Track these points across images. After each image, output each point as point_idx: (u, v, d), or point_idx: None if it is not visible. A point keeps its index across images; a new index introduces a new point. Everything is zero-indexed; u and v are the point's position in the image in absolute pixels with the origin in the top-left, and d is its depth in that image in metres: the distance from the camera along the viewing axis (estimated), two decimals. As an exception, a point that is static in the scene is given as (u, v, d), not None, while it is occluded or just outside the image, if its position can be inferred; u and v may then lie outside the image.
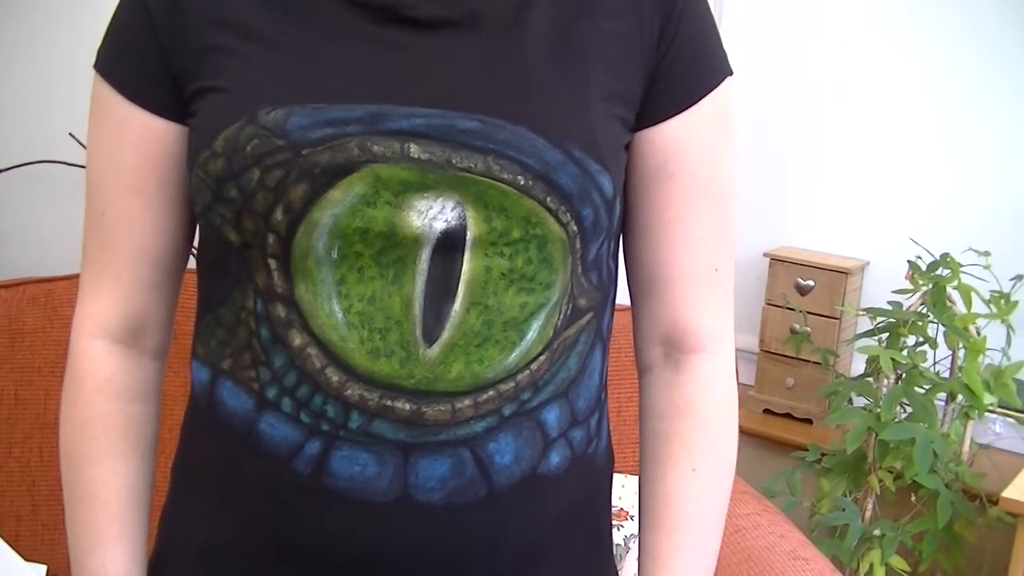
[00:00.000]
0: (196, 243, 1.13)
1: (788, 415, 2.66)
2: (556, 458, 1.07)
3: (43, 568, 2.08)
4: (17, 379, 2.14)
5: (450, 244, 0.98)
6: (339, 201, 0.97)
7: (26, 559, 2.09)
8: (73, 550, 1.13)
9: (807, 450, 2.41)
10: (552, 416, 1.06)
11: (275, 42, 1.01)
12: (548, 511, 1.08)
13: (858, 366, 2.59)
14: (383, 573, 1.04)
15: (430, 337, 1.00)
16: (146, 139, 1.07)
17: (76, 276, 2.20)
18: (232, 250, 1.02)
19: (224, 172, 0.99)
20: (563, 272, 1.02)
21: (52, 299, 2.20)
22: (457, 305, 0.99)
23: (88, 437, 1.12)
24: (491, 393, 1.02)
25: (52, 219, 2.66)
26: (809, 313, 2.56)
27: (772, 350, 2.64)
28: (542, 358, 1.04)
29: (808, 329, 2.57)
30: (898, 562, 2.22)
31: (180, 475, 1.15)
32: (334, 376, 1.00)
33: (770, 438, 2.63)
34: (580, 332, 1.08)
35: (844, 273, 2.54)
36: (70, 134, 2.53)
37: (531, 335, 1.02)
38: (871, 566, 2.21)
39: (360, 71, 0.99)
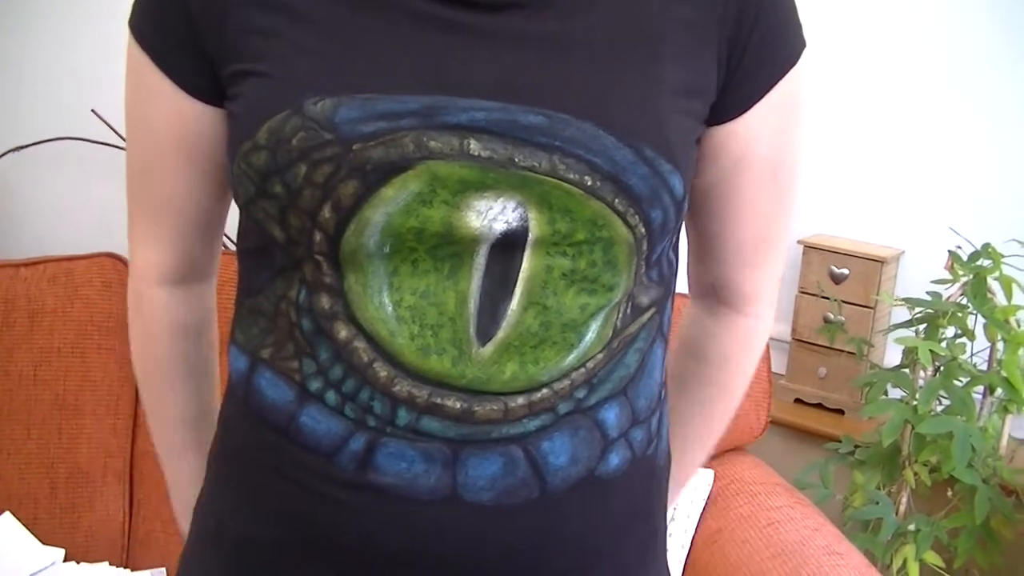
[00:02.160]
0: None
1: (820, 405, 2.62)
2: (615, 459, 1.03)
3: (61, 552, 2.06)
4: (36, 360, 2.11)
5: (510, 244, 0.93)
6: (392, 199, 0.91)
7: (44, 542, 2.07)
8: (160, 457, 1.27)
9: (840, 441, 2.36)
10: (611, 415, 1.02)
11: (323, 25, 0.95)
12: (605, 515, 1.04)
13: (892, 357, 2.54)
14: (427, 573, 1.00)
15: (484, 336, 0.95)
16: (177, 116, 1.03)
17: (97, 255, 2.18)
18: (276, 244, 0.98)
19: (268, 166, 0.93)
20: (627, 273, 0.98)
21: (73, 278, 2.17)
22: (514, 304, 0.95)
23: (158, 369, 1.20)
24: (545, 392, 0.98)
25: (74, 197, 2.64)
26: (843, 302, 2.51)
27: (805, 339, 2.59)
28: (600, 356, 1.00)
29: (842, 318, 2.51)
30: (932, 558, 2.17)
31: (218, 464, 1.12)
32: (382, 371, 0.95)
33: (801, 428, 2.58)
34: (640, 329, 1.04)
35: (879, 262, 2.49)
36: (92, 111, 2.49)
37: (590, 336, 0.98)
38: (904, 561, 2.15)
39: (415, 58, 0.93)
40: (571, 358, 0.98)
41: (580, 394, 1.00)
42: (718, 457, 2.25)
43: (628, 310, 1.02)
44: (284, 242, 0.96)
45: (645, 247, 0.98)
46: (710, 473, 2.19)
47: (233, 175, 0.98)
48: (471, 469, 0.97)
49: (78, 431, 2.13)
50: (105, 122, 2.50)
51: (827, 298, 2.52)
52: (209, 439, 1.16)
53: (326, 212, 0.92)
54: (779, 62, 1.05)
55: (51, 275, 2.17)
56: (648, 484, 1.10)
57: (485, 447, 0.97)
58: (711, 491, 2.16)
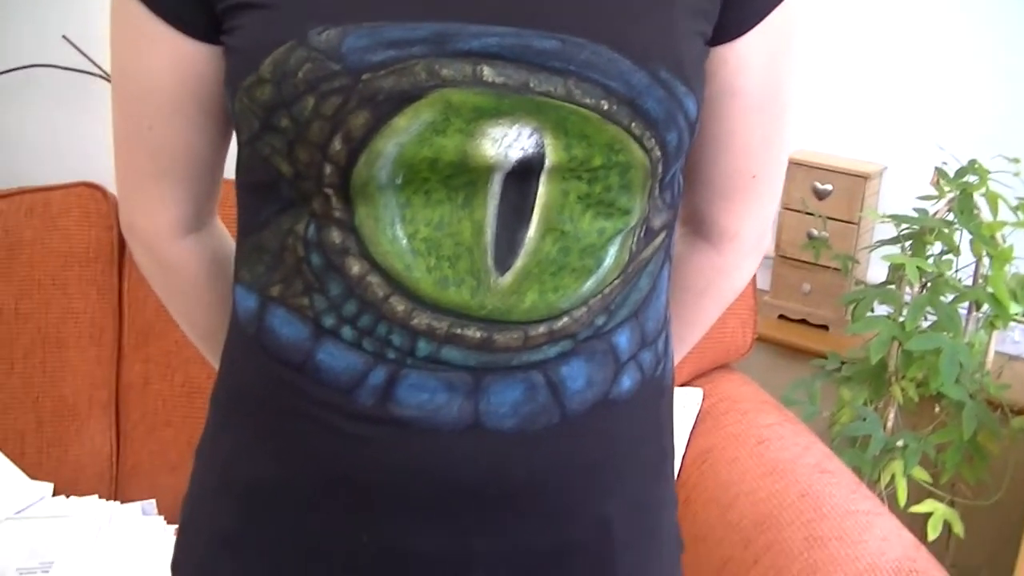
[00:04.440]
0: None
1: (804, 321, 2.62)
2: (628, 382, 1.03)
3: (50, 486, 2.06)
4: (16, 292, 2.09)
5: (526, 171, 0.92)
6: (405, 129, 0.89)
7: (31, 476, 2.06)
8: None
9: (826, 358, 2.37)
10: (624, 339, 1.02)
11: None
12: (620, 436, 1.05)
13: (875, 272, 2.55)
14: (450, 503, 1.00)
15: (503, 265, 0.94)
16: (176, 61, 1.00)
17: (74, 185, 2.15)
18: (283, 179, 0.96)
19: (273, 100, 0.91)
20: (642, 196, 0.97)
21: (50, 209, 2.14)
22: (532, 231, 0.94)
23: (215, 311, 1.18)
24: (565, 320, 0.97)
25: (46, 126, 2.59)
26: (827, 218, 2.51)
27: (788, 255, 2.59)
28: (616, 282, 0.99)
29: (827, 234, 2.51)
30: (920, 473, 2.19)
31: (222, 405, 1.10)
32: (399, 305, 0.94)
33: (787, 344, 2.59)
34: (654, 253, 1.03)
35: (863, 178, 2.48)
36: (64, 36, 2.45)
37: (608, 261, 0.97)
38: (892, 477, 2.17)
39: None
40: (590, 283, 0.98)
41: (599, 320, 1.00)
42: (707, 375, 2.26)
43: (643, 234, 1.01)
44: (292, 176, 0.95)
45: (660, 170, 0.98)
46: (699, 392, 2.20)
47: (235, 111, 0.96)
48: (493, 396, 0.97)
49: (62, 364, 2.11)
50: (77, 48, 2.46)
51: (811, 214, 2.51)
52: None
53: (336, 144, 0.91)
54: None
55: (28, 206, 2.14)
56: (658, 404, 1.11)
57: (506, 374, 0.97)
58: (700, 409, 2.17)
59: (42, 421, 2.09)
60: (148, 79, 1.03)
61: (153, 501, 2.09)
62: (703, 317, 1.27)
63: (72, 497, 2.06)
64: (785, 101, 1.11)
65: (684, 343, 1.28)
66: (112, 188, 1.21)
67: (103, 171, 1.14)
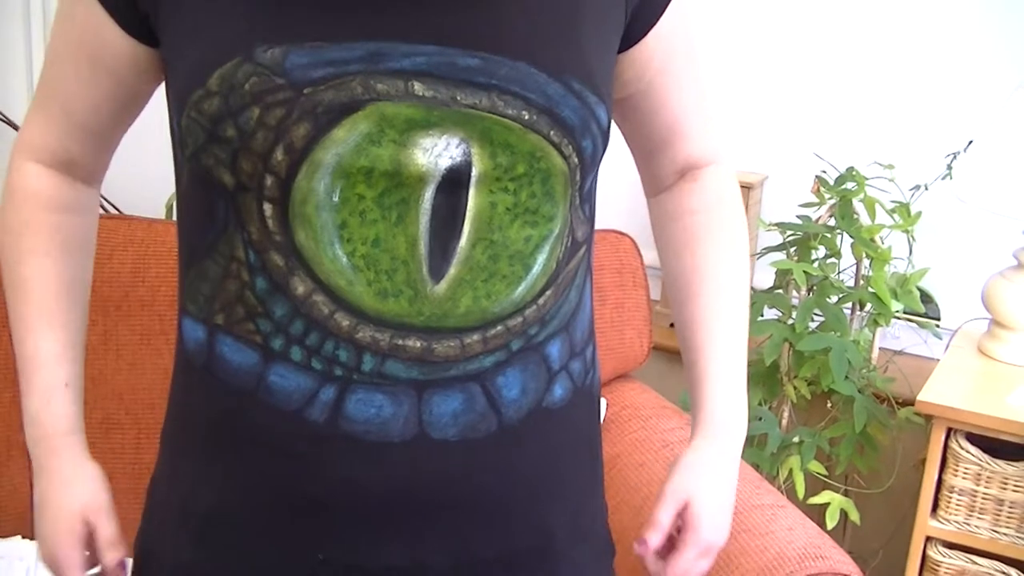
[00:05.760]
0: (175, 199, 1.11)
1: (696, 329, 2.70)
2: (559, 390, 1.11)
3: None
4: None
5: (455, 181, 0.99)
6: (343, 140, 0.96)
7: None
8: (14, 342, 1.16)
9: (720, 363, 2.46)
10: (555, 349, 1.09)
11: None
12: (555, 443, 1.12)
13: (761, 278, 2.64)
14: (400, 512, 1.06)
15: (437, 274, 1.01)
16: (92, 26, 1.07)
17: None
18: (223, 195, 1.01)
19: (220, 111, 0.97)
20: (564, 204, 1.05)
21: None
22: (463, 241, 1.01)
23: (19, 238, 1.15)
24: (499, 328, 1.04)
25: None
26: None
27: (678, 266, 2.67)
28: (548, 292, 1.07)
29: (714, 244, 2.60)
30: (816, 466, 2.31)
31: (172, 441, 1.15)
32: (344, 320, 1.00)
33: (679, 351, 2.66)
34: (578, 264, 1.11)
35: (747, 188, 2.58)
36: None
37: (536, 268, 1.05)
38: (790, 472, 2.28)
39: (358, 9, 0.99)
40: (520, 290, 1.04)
41: (532, 331, 1.07)
42: (607, 384, 2.32)
43: (569, 244, 1.08)
44: (233, 188, 1.00)
45: (579, 177, 1.05)
46: (603, 401, 2.28)
47: (181, 127, 1.01)
48: (435, 407, 1.03)
49: (-22, 406, 2.10)
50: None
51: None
52: (81, 318, 1.18)
53: (278, 155, 0.97)
54: None
55: None
56: (588, 413, 1.19)
57: (446, 385, 1.03)
58: (604, 418, 2.24)
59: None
60: (68, 24, 1.09)
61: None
62: (737, 238, 1.26)
63: (-2, 539, 2.07)
64: (696, 43, 1.21)
65: (741, 279, 1.25)
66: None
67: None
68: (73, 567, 1.12)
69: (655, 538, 1.14)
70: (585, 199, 1.11)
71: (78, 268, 1.18)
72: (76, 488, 1.13)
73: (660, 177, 1.27)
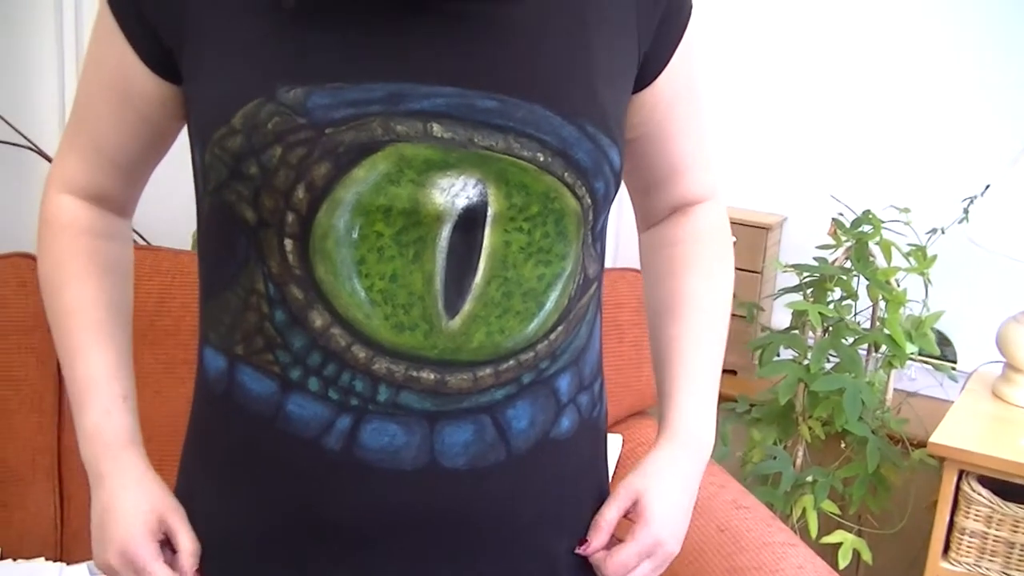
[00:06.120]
0: (196, 230, 1.14)
1: (713, 367, 2.72)
2: (567, 422, 1.13)
3: (-4, 549, 2.09)
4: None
5: (471, 220, 1.02)
6: (363, 179, 0.99)
7: (-22, 541, 2.09)
8: (62, 365, 1.17)
9: (736, 401, 2.49)
10: (564, 383, 1.12)
11: (291, 17, 1.02)
12: (560, 473, 1.15)
13: (779, 319, 2.67)
14: (414, 537, 1.09)
15: (452, 309, 1.04)
16: (120, 66, 1.10)
17: (10, 255, 2.18)
18: (244, 230, 1.04)
19: (243, 149, 1.00)
20: (576, 243, 1.08)
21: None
22: (478, 278, 1.04)
23: (59, 265, 1.17)
24: (511, 363, 1.07)
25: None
26: (732, 268, 2.62)
27: (696, 305, 2.69)
28: (560, 328, 1.10)
29: (732, 284, 2.63)
30: (829, 506, 2.33)
31: (191, 466, 1.18)
32: (361, 352, 1.03)
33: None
34: (589, 301, 1.14)
35: (765, 229, 2.61)
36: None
37: (548, 305, 1.08)
38: (804, 511, 2.30)
39: (378, 50, 1.02)
40: (532, 326, 1.07)
41: (543, 365, 1.09)
42: (624, 421, 2.34)
43: (581, 281, 1.11)
44: (255, 224, 1.03)
45: (591, 217, 1.08)
46: (619, 438, 2.29)
47: (204, 163, 1.04)
48: (447, 437, 1.06)
49: (4, 431, 2.14)
50: (7, 122, 2.50)
51: (717, 265, 2.62)
52: (127, 339, 1.19)
53: (300, 192, 1.00)
54: (681, 23, 1.17)
55: None
56: (594, 445, 1.22)
57: (458, 416, 1.06)
58: (620, 454, 2.26)
59: (-13, 485, 2.13)
60: (98, 63, 1.12)
61: (97, 561, 2.13)
62: (722, 269, 1.28)
63: (20, 560, 2.10)
64: (699, 84, 1.24)
65: (718, 325, 1.27)
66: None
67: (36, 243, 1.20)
68: (152, 558, 1.11)
69: (597, 538, 1.17)
70: (597, 238, 1.14)
71: (119, 290, 1.20)
72: (146, 491, 1.14)
73: (654, 212, 1.30)
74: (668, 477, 1.19)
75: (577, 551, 1.17)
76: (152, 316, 2.08)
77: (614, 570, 1.15)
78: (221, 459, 1.14)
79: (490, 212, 1.02)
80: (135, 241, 1.30)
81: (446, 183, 1.00)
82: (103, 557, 1.13)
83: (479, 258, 1.03)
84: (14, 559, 2.10)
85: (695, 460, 1.21)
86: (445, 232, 1.02)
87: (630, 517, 1.18)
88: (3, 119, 2.50)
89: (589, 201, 1.07)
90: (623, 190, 1.27)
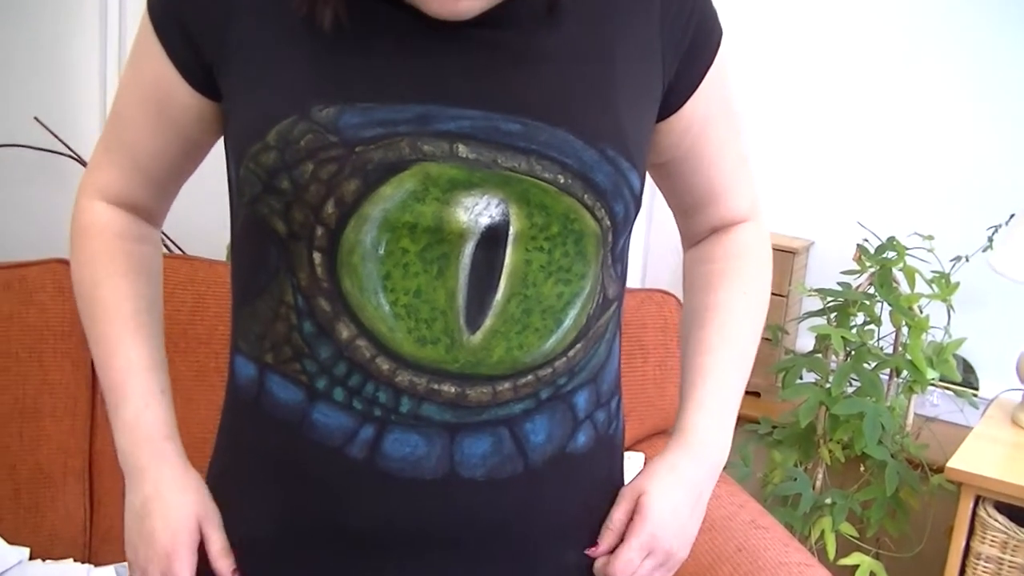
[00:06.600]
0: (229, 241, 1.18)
1: (736, 389, 2.74)
2: (583, 438, 1.16)
3: (26, 550, 2.11)
4: (-6, 365, 2.15)
5: (493, 239, 1.05)
6: (390, 197, 1.02)
7: (8, 541, 2.12)
8: (97, 362, 1.19)
9: (758, 423, 2.52)
10: (582, 399, 1.15)
11: (325, 38, 1.05)
12: (576, 487, 1.17)
13: (803, 342, 2.69)
14: (432, 545, 1.12)
15: (473, 324, 1.07)
16: (159, 80, 1.13)
17: (48, 261, 2.22)
18: (275, 242, 1.07)
19: (276, 164, 1.04)
20: (595, 264, 1.11)
21: (26, 284, 2.20)
22: (499, 295, 1.07)
23: (93, 266, 1.20)
24: (529, 377, 1.10)
25: (20, 204, 2.66)
26: (757, 291, 2.64)
27: (721, 327, 2.71)
28: (578, 346, 1.12)
29: (757, 307, 2.65)
30: (847, 528, 2.34)
31: (220, 471, 1.21)
32: (384, 364, 1.06)
33: (720, 411, 2.70)
34: (608, 321, 1.17)
35: (792, 253, 2.63)
36: (35, 118, 2.54)
37: (567, 323, 1.10)
38: (822, 532, 2.32)
39: (409, 72, 1.05)
40: (550, 342, 1.10)
41: (561, 381, 1.12)
42: (647, 439, 2.36)
43: (600, 301, 1.14)
44: (285, 236, 1.06)
45: (610, 238, 1.11)
46: (641, 456, 2.31)
47: (239, 176, 1.08)
48: (466, 448, 1.09)
49: (38, 434, 2.16)
50: (48, 129, 2.55)
51: (743, 288, 2.65)
52: (160, 336, 1.21)
53: (329, 207, 1.03)
54: (711, 48, 1.19)
55: (4, 282, 2.20)
56: (610, 461, 1.23)
57: (477, 428, 1.09)
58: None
59: (19, 488, 2.14)
60: (136, 76, 1.16)
61: (126, 564, 2.15)
62: (757, 288, 1.30)
63: (49, 561, 2.12)
64: (734, 107, 1.26)
65: (751, 340, 1.29)
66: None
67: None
68: (188, 569, 1.14)
69: (607, 540, 1.19)
70: (617, 259, 1.16)
71: (153, 289, 1.23)
72: (188, 494, 1.16)
73: (696, 232, 1.32)
74: (670, 478, 1.20)
75: (587, 553, 1.19)
76: (186, 324, 2.12)
77: (617, 568, 1.17)
78: (249, 465, 1.17)
79: (512, 231, 1.05)
80: (172, 251, 1.34)
81: (470, 202, 1.03)
82: (144, 551, 1.16)
83: (500, 275, 1.06)
84: (43, 559, 2.14)
85: (702, 464, 1.22)
86: (468, 249, 1.05)
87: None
88: (46, 127, 2.55)
89: (608, 223, 1.09)
90: (667, 211, 1.32)
